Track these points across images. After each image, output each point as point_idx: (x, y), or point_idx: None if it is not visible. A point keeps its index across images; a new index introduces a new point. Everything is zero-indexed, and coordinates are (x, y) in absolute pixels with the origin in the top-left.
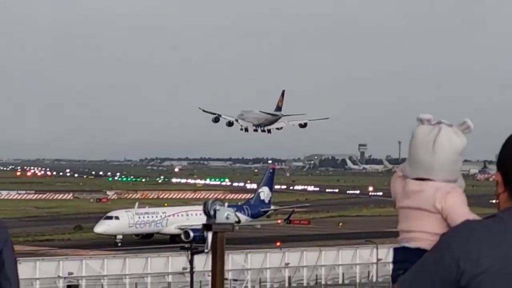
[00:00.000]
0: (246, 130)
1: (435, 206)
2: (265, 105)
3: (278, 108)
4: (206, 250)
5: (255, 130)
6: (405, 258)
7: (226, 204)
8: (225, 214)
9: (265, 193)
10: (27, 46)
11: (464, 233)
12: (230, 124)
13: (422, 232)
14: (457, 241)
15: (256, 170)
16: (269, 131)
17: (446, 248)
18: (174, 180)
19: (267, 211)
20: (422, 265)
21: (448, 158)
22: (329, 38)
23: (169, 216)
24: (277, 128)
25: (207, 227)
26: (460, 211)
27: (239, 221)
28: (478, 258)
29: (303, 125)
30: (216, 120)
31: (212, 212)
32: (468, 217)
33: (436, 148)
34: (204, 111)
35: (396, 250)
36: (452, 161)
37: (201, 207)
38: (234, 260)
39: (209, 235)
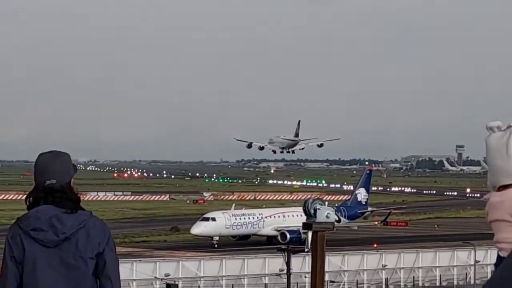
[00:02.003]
0: (274, 152)
1: None
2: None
3: (296, 135)
4: (306, 250)
5: (281, 152)
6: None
7: (326, 203)
8: (325, 213)
9: (362, 194)
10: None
11: None
12: (261, 148)
13: (507, 243)
14: None
15: (355, 172)
16: (293, 151)
17: None
18: (270, 181)
19: (364, 213)
20: (498, 272)
21: None
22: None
23: (266, 217)
24: (300, 149)
25: (307, 226)
26: None
27: (339, 220)
28: None
29: (320, 145)
30: (249, 146)
31: (312, 211)
32: None
33: (510, 151)
34: (238, 140)
35: (497, 255)
36: None
37: (297, 209)
38: (331, 261)
39: (309, 234)
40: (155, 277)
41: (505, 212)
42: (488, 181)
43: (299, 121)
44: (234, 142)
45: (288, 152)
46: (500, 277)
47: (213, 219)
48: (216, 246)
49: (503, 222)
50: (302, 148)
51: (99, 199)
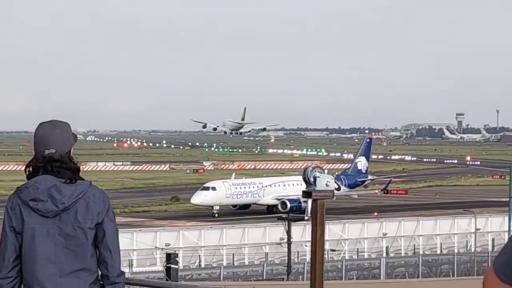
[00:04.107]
0: (225, 133)
1: None
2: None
3: (242, 119)
4: (306, 218)
5: (231, 133)
6: None
7: (326, 172)
8: (325, 181)
9: (362, 163)
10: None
11: None
12: (214, 129)
13: None
14: None
15: (356, 140)
16: (241, 133)
17: None
18: (270, 150)
19: (364, 181)
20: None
21: None
22: None
23: (266, 186)
24: (247, 131)
25: (307, 194)
26: None
27: (339, 189)
28: None
29: (263, 129)
30: (204, 126)
31: (312, 179)
32: None
33: None
34: (195, 121)
35: None
36: None
37: (298, 178)
38: (331, 230)
39: (309, 202)
40: (155, 246)
41: None
42: None
43: (245, 108)
44: (233, 111)
45: (236, 133)
46: None
47: (213, 188)
48: (216, 215)
49: None
50: (249, 131)
51: (98, 169)
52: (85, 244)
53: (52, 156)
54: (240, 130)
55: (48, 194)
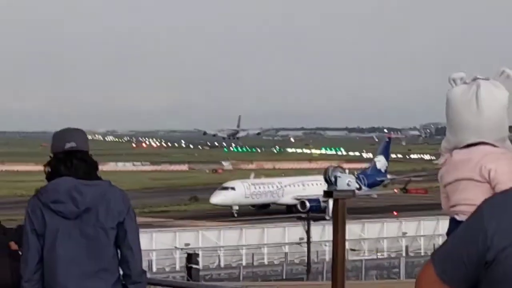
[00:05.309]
0: (224, 138)
1: (482, 174)
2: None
3: (238, 126)
4: (327, 218)
5: (229, 138)
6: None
7: (347, 171)
8: (346, 181)
9: (381, 162)
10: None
11: (499, 203)
12: (214, 135)
13: (468, 205)
14: (489, 210)
15: (377, 140)
16: (237, 138)
17: (477, 217)
18: (289, 150)
19: (383, 181)
20: (454, 236)
21: (495, 113)
22: None
23: (285, 186)
24: (242, 136)
25: (328, 194)
26: (510, 180)
27: (360, 188)
28: (508, 230)
29: (258, 134)
30: (204, 134)
31: (333, 179)
32: None
33: (480, 104)
34: (198, 130)
35: (450, 222)
36: (500, 117)
37: (317, 177)
38: (351, 229)
39: (330, 202)
40: (175, 247)
41: (472, 171)
42: (446, 141)
43: (240, 116)
44: (252, 110)
45: (233, 138)
46: (461, 239)
47: (233, 188)
48: (235, 215)
49: (470, 181)
50: (245, 135)
51: (118, 169)
52: (107, 245)
53: (73, 149)
54: (237, 135)
55: (69, 196)
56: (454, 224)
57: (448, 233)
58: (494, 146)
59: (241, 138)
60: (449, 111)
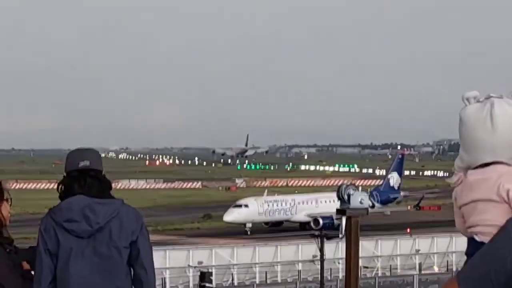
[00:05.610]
0: (232, 156)
1: (500, 194)
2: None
3: (246, 144)
4: (340, 236)
5: (237, 157)
6: (475, 251)
7: (360, 188)
8: (359, 199)
9: (394, 179)
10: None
11: None
12: (223, 154)
13: (487, 226)
14: None
15: (390, 156)
16: (246, 157)
17: (504, 236)
18: (302, 167)
19: (397, 198)
20: (480, 255)
21: (509, 131)
22: None
23: (298, 203)
24: (250, 154)
25: (341, 212)
26: None
27: (373, 206)
28: None
29: (266, 152)
30: (213, 152)
31: (346, 197)
32: None
33: (495, 122)
34: (205, 148)
35: (468, 242)
36: None
37: (330, 194)
38: (364, 246)
39: (343, 220)
40: (189, 265)
41: (490, 191)
42: (460, 160)
43: (248, 135)
44: (264, 128)
45: (242, 157)
46: (488, 257)
47: (246, 206)
48: (249, 233)
49: (488, 202)
50: (253, 153)
51: (131, 187)
52: (120, 264)
53: (87, 167)
54: (245, 154)
55: (82, 214)
56: (473, 244)
57: (467, 253)
58: (509, 165)
59: (249, 156)
60: (462, 129)
